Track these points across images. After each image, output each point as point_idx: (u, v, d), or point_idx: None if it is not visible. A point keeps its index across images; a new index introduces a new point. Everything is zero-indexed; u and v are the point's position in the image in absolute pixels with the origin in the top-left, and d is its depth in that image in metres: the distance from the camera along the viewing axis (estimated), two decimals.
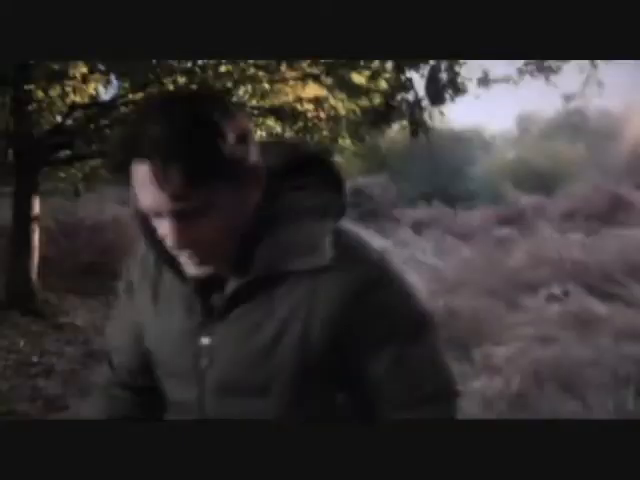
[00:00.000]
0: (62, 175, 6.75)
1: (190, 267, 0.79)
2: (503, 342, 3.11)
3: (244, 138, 0.75)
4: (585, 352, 2.89)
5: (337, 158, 5.89)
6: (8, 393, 3.48)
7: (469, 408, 2.45)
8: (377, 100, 4.72)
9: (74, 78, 4.55)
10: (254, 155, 0.76)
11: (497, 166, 13.14)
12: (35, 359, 4.06)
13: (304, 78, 4.77)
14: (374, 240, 0.86)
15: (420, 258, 5.21)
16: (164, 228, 0.75)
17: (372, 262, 0.80)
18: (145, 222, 0.80)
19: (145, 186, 0.72)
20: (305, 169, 0.84)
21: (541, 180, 10.95)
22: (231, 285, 0.79)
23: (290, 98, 4.99)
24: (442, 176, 11.99)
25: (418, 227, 8.01)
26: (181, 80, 4.45)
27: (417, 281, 4.27)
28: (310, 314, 0.78)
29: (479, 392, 2.51)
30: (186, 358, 0.84)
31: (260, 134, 4.74)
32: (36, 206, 5.41)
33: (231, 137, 0.72)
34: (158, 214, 0.75)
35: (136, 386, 0.95)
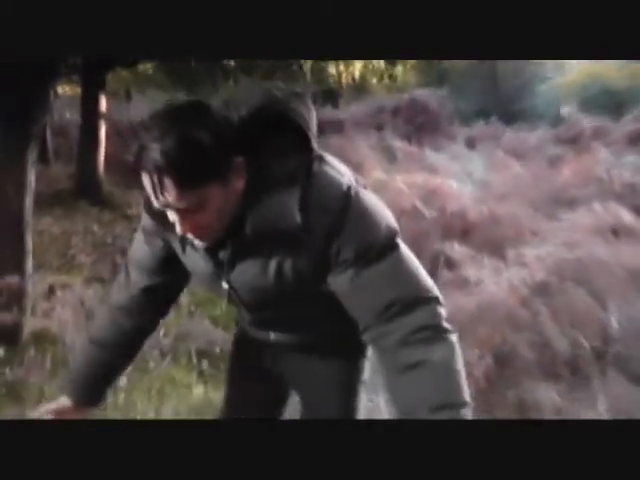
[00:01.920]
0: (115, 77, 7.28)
1: (197, 242, 1.04)
2: (535, 245, 3.62)
3: (225, 142, 0.94)
4: (608, 255, 3.37)
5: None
6: (91, 265, 4.27)
7: (497, 292, 3.02)
8: None
9: None
10: (236, 152, 0.96)
11: (565, 85, 12.90)
12: (109, 240, 4.84)
13: None
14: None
15: (470, 171, 5.63)
16: (173, 217, 0.98)
17: (333, 213, 0.99)
18: (155, 211, 1.01)
19: (150, 189, 0.95)
20: (276, 126, 0.99)
21: (612, 101, 10.80)
22: (229, 248, 1.05)
23: None
24: (504, 94, 11.94)
25: (472, 142, 8.31)
26: None
27: (462, 191, 4.73)
28: (294, 263, 1.03)
29: (507, 280, 3.07)
30: (216, 292, 1.15)
31: None
32: (103, 104, 6.03)
33: (214, 147, 0.92)
34: (165, 207, 0.97)
35: (138, 316, 1.24)
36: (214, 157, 0.93)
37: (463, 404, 0.99)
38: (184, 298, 3.64)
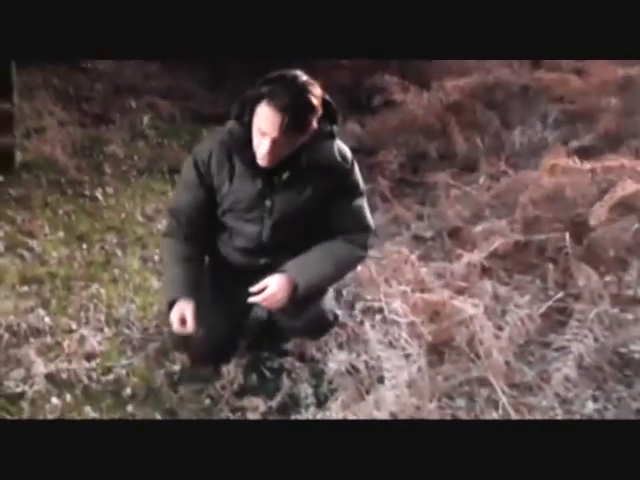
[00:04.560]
0: None
1: (262, 163, 1.59)
2: (457, 78, 4.33)
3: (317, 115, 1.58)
4: (520, 84, 4.11)
5: None
6: (61, 114, 4.78)
7: (417, 110, 3.78)
8: None
9: None
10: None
11: None
12: (72, 92, 5.32)
13: None
14: None
15: None
16: (262, 145, 1.54)
17: (349, 160, 1.72)
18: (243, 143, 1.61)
19: (268, 119, 1.49)
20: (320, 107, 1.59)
21: None
22: (284, 174, 1.65)
23: None
24: None
25: None
26: None
27: None
28: (322, 190, 1.69)
29: (426, 100, 3.82)
30: (254, 211, 1.71)
31: None
32: None
33: (318, 112, 1.56)
34: (264, 135, 1.52)
35: (195, 238, 1.79)
36: (312, 123, 1.57)
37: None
38: (150, 131, 4.33)
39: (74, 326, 2.21)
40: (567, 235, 2.41)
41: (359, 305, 2.06)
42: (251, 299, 1.71)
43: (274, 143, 1.53)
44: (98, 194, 3.36)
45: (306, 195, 1.70)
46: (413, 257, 2.23)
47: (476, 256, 2.41)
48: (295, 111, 1.49)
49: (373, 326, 2.00)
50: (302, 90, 1.51)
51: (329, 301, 1.88)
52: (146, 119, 4.51)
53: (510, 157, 3.45)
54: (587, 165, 2.61)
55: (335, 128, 1.70)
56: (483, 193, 2.96)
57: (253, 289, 1.70)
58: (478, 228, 2.70)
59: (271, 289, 1.68)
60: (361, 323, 2.04)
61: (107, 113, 4.68)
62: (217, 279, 1.93)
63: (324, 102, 1.64)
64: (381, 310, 2.01)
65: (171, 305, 1.71)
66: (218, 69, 5.34)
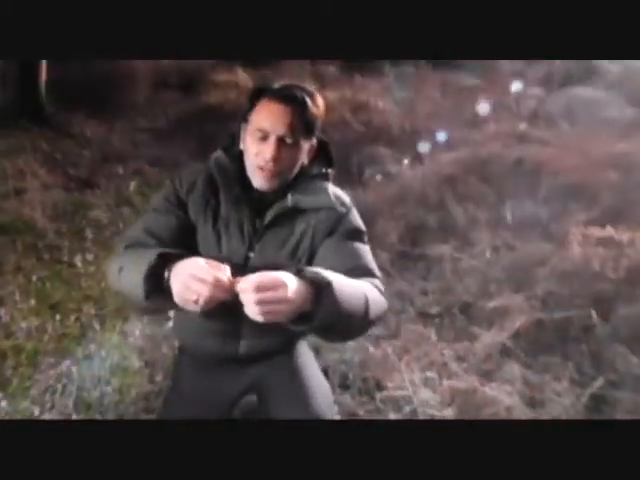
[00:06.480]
0: None
1: (262, 182, 1.29)
2: (448, 150, 4.17)
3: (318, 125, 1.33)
4: (511, 158, 3.96)
5: None
6: (45, 176, 4.48)
7: (413, 182, 3.56)
8: None
9: None
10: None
11: None
12: (58, 156, 5.03)
13: None
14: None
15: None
16: (266, 150, 1.25)
17: (346, 204, 1.35)
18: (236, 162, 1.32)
19: (271, 113, 1.24)
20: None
21: None
22: (268, 215, 1.31)
23: None
24: None
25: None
26: None
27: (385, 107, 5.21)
28: (309, 241, 1.33)
29: (421, 172, 3.62)
30: (236, 266, 1.17)
31: None
32: None
33: (318, 119, 1.30)
34: (265, 137, 1.25)
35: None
36: (316, 124, 1.30)
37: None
38: (136, 197, 4.02)
39: (36, 412, 1.80)
40: (593, 312, 2.12)
41: (379, 395, 1.69)
42: (252, 304, 0.98)
43: (280, 144, 1.25)
44: (77, 261, 2.99)
45: (291, 244, 1.33)
46: (433, 337, 1.90)
47: (496, 336, 2.09)
48: (301, 101, 1.25)
49: (396, 416, 1.63)
50: (304, 87, 1.30)
51: (329, 409, 1.46)
52: (133, 185, 4.22)
53: (511, 229, 3.22)
54: (608, 235, 2.36)
55: (330, 171, 1.40)
56: (491, 267, 2.68)
57: (253, 283, 0.99)
58: (491, 304, 2.40)
59: (288, 294, 0.99)
60: (383, 413, 1.67)
61: (93, 178, 4.40)
62: (189, 369, 1.51)
63: (321, 143, 1.39)
64: (406, 398, 1.65)
65: (154, 272, 1.09)
66: (206, 139, 5.15)
